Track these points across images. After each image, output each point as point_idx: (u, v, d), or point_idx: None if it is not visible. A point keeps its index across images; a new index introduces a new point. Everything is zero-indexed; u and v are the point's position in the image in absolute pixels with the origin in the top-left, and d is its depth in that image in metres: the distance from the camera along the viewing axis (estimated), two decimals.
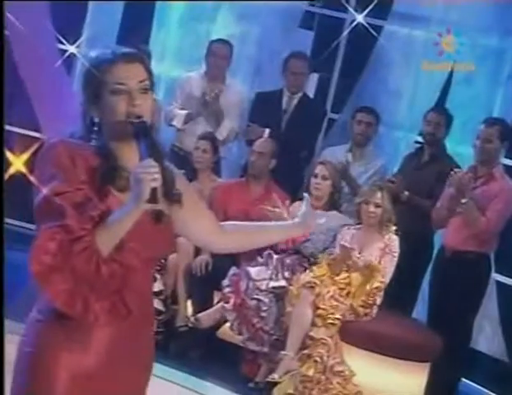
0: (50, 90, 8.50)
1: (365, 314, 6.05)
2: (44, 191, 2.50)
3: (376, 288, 6.05)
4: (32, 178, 8.76)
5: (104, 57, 2.60)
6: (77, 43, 8.56)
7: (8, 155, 8.82)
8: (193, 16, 8.56)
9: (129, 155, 2.58)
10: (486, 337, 6.98)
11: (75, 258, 2.41)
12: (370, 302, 6.05)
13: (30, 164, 9.11)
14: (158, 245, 2.63)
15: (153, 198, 2.42)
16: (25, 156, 8.93)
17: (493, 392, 6.98)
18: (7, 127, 8.63)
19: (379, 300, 6.08)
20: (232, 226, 3.04)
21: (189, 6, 8.57)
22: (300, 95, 7.49)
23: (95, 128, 2.60)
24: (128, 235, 2.47)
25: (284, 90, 7.48)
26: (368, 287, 6.03)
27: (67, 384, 2.53)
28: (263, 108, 7.42)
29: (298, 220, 3.04)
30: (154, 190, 2.40)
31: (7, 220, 8.47)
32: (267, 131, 7.00)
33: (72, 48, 8.55)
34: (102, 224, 2.44)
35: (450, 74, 7.69)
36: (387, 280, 6.10)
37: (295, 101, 7.46)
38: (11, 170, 9.00)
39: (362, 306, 6.03)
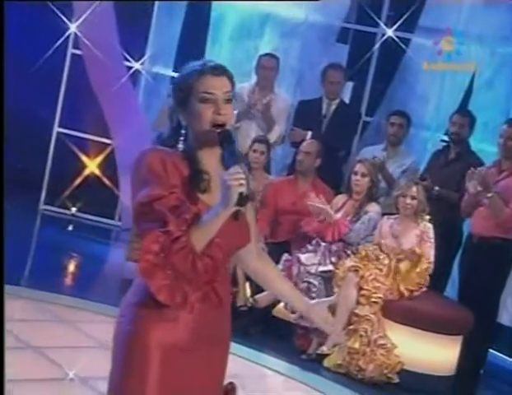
0: (119, 102, 8.54)
1: (410, 295, 6.02)
2: (141, 196, 2.46)
3: (425, 269, 6.03)
4: (106, 180, 8.67)
5: (194, 68, 2.56)
6: (142, 60, 8.62)
7: (84, 158, 8.93)
8: (243, 33, 8.57)
9: (210, 159, 2.56)
10: (507, 312, 6.87)
11: (174, 257, 2.41)
12: (422, 283, 6.03)
13: (102, 166, 9.20)
14: (236, 240, 2.60)
15: (240, 202, 2.40)
16: (98, 160, 9.07)
17: None
18: (81, 135, 8.73)
19: (427, 281, 6.05)
20: (270, 267, 2.89)
21: (239, 25, 8.58)
22: (337, 101, 7.44)
23: (183, 131, 2.57)
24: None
25: (323, 97, 7.43)
26: (418, 270, 6.01)
27: (160, 355, 2.51)
28: (305, 114, 7.39)
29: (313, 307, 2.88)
30: (241, 194, 2.38)
31: (84, 215, 8.61)
32: (310, 133, 6.94)
33: (136, 65, 8.60)
34: (195, 224, 2.43)
35: (472, 79, 7.63)
36: (432, 262, 6.05)
37: (333, 107, 7.41)
38: (86, 172, 9.11)
39: (409, 289, 6.00)
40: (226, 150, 2.49)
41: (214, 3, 8.58)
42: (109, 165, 8.63)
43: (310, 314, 2.82)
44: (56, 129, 8.72)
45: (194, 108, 2.53)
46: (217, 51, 8.49)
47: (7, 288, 5.88)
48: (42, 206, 8.75)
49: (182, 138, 2.57)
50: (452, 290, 6.89)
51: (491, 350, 6.60)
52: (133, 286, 2.62)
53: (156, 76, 8.76)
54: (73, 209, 8.65)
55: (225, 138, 2.50)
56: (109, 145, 8.65)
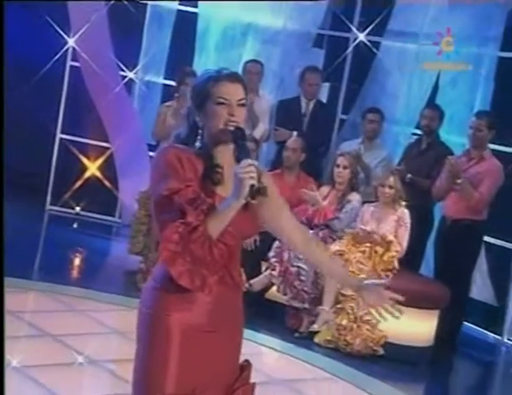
0: (115, 108, 8.52)
1: (386, 276, 6.02)
2: (161, 189, 2.48)
3: (393, 257, 6.05)
4: (106, 181, 8.59)
5: (211, 74, 2.58)
6: (135, 70, 8.59)
7: (85, 161, 8.88)
8: (227, 42, 8.54)
9: (224, 155, 2.57)
10: (477, 287, 6.91)
11: (193, 245, 2.42)
12: (390, 267, 6.04)
13: (102, 168, 9.15)
14: (246, 229, 2.60)
15: (252, 193, 2.41)
16: (99, 162, 9.03)
17: (486, 329, 6.99)
18: (82, 140, 8.70)
19: (396, 265, 6.06)
20: (319, 249, 2.91)
21: (223, 34, 8.55)
22: (314, 101, 7.45)
23: (200, 131, 2.58)
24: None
25: (301, 97, 7.43)
26: (386, 257, 6.03)
27: (180, 336, 2.52)
28: (287, 113, 7.38)
29: (366, 286, 2.89)
30: (252, 186, 2.40)
31: (87, 213, 8.58)
32: (295, 133, 6.92)
33: (130, 74, 8.57)
34: (210, 215, 2.44)
35: (438, 77, 7.65)
36: (404, 247, 6.08)
37: (311, 106, 7.41)
38: (88, 174, 9.06)
39: (383, 270, 6.01)
40: (239, 146, 2.51)
41: (200, 15, 8.56)
42: (108, 167, 8.61)
43: (362, 292, 2.83)
44: (59, 136, 8.67)
45: (211, 110, 2.54)
46: (204, 59, 8.44)
47: (20, 282, 5.93)
48: (48, 207, 8.71)
49: (199, 137, 2.58)
50: (427, 268, 6.94)
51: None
52: (153, 274, 2.62)
53: (149, 83, 8.74)
54: (77, 208, 8.63)
55: (238, 136, 2.52)
56: (108, 148, 8.62)
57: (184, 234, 2.42)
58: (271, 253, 6.19)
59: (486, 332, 6.98)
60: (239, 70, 7.65)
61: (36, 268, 6.87)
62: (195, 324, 2.55)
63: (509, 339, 6.91)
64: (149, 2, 8.61)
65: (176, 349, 2.53)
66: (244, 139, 2.53)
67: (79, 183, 8.64)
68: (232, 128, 2.52)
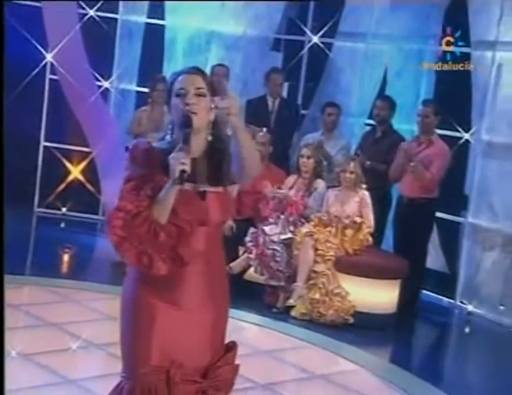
0: (93, 116, 8.44)
1: (355, 254, 6.09)
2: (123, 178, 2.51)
3: (367, 233, 6.11)
4: (88, 183, 8.48)
5: (174, 72, 2.62)
6: (110, 79, 8.54)
7: (69, 166, 8.80)
8: (193, 49, 8.50)
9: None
10: (431, 258, 6.99)
11: (137, 229, 2.42)
12: (364, 244, 6.10)
13: (84, 171, 9.06)
14: (207, 216, 2.53)
15: (180, 179, 2.38)
16: (81, 166, 8.94)
17: (441, 295, 7.08)
18: (65, 146, 8.62)
19: (370, 240, 6.13)
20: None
21: (189, 43, 8.52)
22: (279, 99, 7.48)
23: (170, 126, 2.58)
24: (181, 208, 2.45)
25: (267, 96, 7.46)
26: (361, 235, 6.08)
27: (157, 314, 2.52)
28: (255, 111, 7.34)
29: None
30: (182, 172, 2.36)
31: (72, 213, 8.51)
32: (265, 129, 6.86)
33: (106, 84, 8.52)
34: (154, 201, 2.43)
35: (385, 72, 7.73)
36: (372, 224, 6.13)
37: (276, 104, 7.43)
38: (72, 177, 8.97)
39: (354, 249, 6.06)
40: (183, 133, 2.46)
41: (167, 26, 8.53)
42: (90, 170, 8.56)
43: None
44: (42, 144, 8.59)
45: (172, 103, 2.52)
46: (173, 66, 8.34)
47: (17, 278, 5.89)
48: (36, 209, 8.63)
49: (169, 131, 2.57)
50: (385, 244, 7.01)
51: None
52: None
53: (123, 91, 8.69)
54: (63, 209, 8.56)
55: (185, 123, 2.47)
56: (89, 153, 8.56)
57: (127, 219, 2.41)
58: (247, 238, 6.20)
59: (441, 297, 7.06)
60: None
61: (31, 265, 6.82)
62: (170, 304, 2.52)
63: (461, 302, 6.99)
64: (119, 18, 8.54)
65: (154, 327, 2.51)
66: (190, 126, 2.46)
67: (64, 185, 8.56)
68: (185, 114, 2.47)
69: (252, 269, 6.20)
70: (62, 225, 8.39)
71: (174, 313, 2.53)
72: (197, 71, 2.57)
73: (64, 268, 7.04)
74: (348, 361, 5.25)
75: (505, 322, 6.63)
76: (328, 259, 5.96)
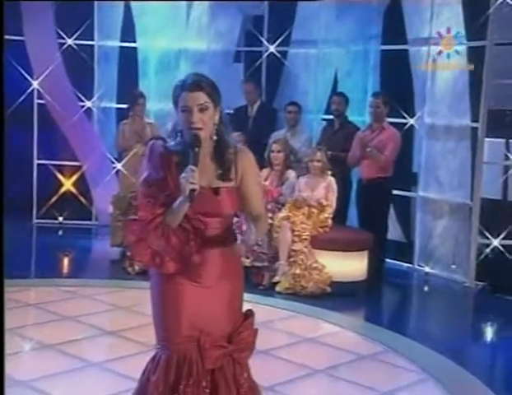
0: (79, 133, 8.42)
1: (324, 231, 6.19)
2: (141, 181, 2.56)
3: (327, 216, 6.20)
4: (81, 194, 8.39)
5: (177, 85, 2.55)
6: (92, 99, 8.50)
7: (62, 179, 8.72)
8: (163, 67, 8.48)
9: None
10: (390, 229, 7.09)
11: (152, 233, 2.49)
12: (326, 224, 6.19)
13: (76, 183, 8.99)
14: (220, 209, 2.55)
15: (191, 196, 2.41)
16: (73, 179, 8.87)
17: (401, 261, 7.21)
18: (58, 162, 8.56)
19: (330, 223, 6.22)
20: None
21: (160, 61, 8.51)
22: (258, 103, 7.50)
23: (179, 132, 2.57)
24: (198, 204, 2.47)
25: (248, 104, 7.50)
26: (322, 216, 6.18)
27: (183, 291, 2.57)
28: (237, 117, 7.28)
29: None
30: (192, 191, 2.41)
31: (68, 221, 8.46)
32: (238, 133, 6.64)
33: (88, 103, 8.48)
34: (168, 210, 2.48)
35: (336, 73, 7.84)
36: (334, 207, 6.23)
37: (255, 109, 7.47)
38: (65, 189, 8.89)
39: (321, 227, 6.16)
40: (192, 150, 2.47)
41: (139, 48, 8.53)
42: (82, 181, 8.53)
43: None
44: (36, 162, 8.53)
45: (179, 115, 2.53)
46: (147, 83, 8.38)
47: (27, 281, 5.91)
48: (35, 221, 8.57)
49: (179, 134, 2.57)
50: (350, 222, 7.14)
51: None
52: None
53: (104, 109, 8.67)
54: (60, 218, 8.50)
55: (194, 142, 2.48)
56: (79, 166, 8.53)
57: (143, 225, 2.49)
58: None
59: (401, 263, 7.21)
60: None
61: (38, 268, 6.80)
62: (192, 282, 2.57)
63: (419, 265, 7.15)
64: (95, 44, 8.51)
65: (181, 302, 2.56)
66: (198, 145, 2.47)
67: (59, 197, 8.52)
68: (194, 132, 2.48)
69: None
70: (60, 232, 8.34)
71: (197, 289, 2.57)
72: (198, 87, 2.50)
73: (69, 269, 7.02)
74: (331, 324, 5.37)
75: (457, 278, 6.80)
76: (305, 238, 6.05)
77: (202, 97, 2.49)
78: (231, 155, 2.58)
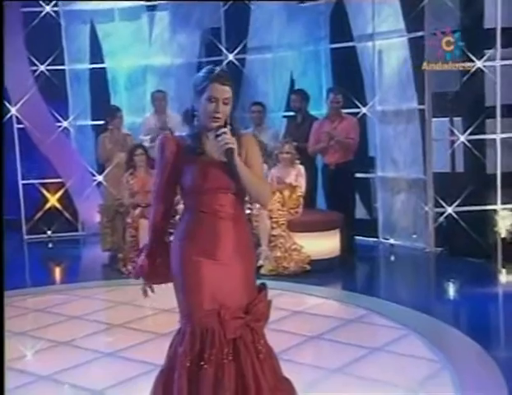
0: (59, 152, 8.36)
1: (296, 213, 6.28)
2: (155, 181, 2.67)
3: (299, 196, 6.29)
4: (65, 209, 8.23)
5: (207, 75, 2.57)
6: (69, 119, 8.46)
7: (47, 195, 8.61)
8: (132, 83, 8.52)
9: (207, 140, 2.62)
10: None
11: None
12: (297, 204, 6.27)
13: (61, 199, 8.88)
14: (229, 182, 2.58)
15: (229, 156, 2.48)
16: (57, 195, 8.77)
17: (368, 237, 7.37)
18: (43, 181, 8.46)
19: (302, 202, 6.32)
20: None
21: (128, 78, 8.53)
22: None
23: (195, 117, 2.59)
24: (210, 176, 2.54)
25: None
26: (294, 196, 6.26)
27: (203, 268, 2.59)
28: None
29: None
30: (229, 150, 2.48)
31: (57, 234, 8.39)
32: None
33: (65, 123, 8.44)
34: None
35: (291, 73, 7.96)
36: (303, 188, 6.32)
37: None
38: (49, 205, 8.78)
39: (291, 208, 6.23)
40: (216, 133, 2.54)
41: (108, 68, 8.52)
42: (66, 196, 8.47)
43: None
44: (21, 182, 8.44)
45: (203, 103, 2.54)
46: (118, 100, 8.38)
47: (35, 289, 5.88)
48: (26, 237, 8.48)
49: (196, 119, 2.58)
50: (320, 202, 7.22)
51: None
52: (175, 235, 2.67)
53: (80, 127, 8.62)
54: (48, 232, 8.42)
55: (226, 156, 2.53)
56: (61, 182, 8.47)
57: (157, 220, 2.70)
58: None
59: (368, 238, 7.37)
60: (149, 99, 7.70)
61: (35, 278, 6.73)
62: (210, 259, 2.59)
63: (384, 238, 7.35)
64: (66, 68, 8.46)
65: (201, 278, 2.59)
66: (230, 157, 2.52)
67: (45, 212, 8.43)
68: (214, 121, 2.52)
69: None
70: (50, 245, 8.27)
71: (215, 266, 2.59)
72: (228, 82, 2.55)
73: (64, 276, 6.97)
74: (315, 297, 5.48)
75: (419, 246, 7.01)
76: (282, 223, 6.14)
77: (228, 91, 2.55)
78: (238, 138, 2.62)
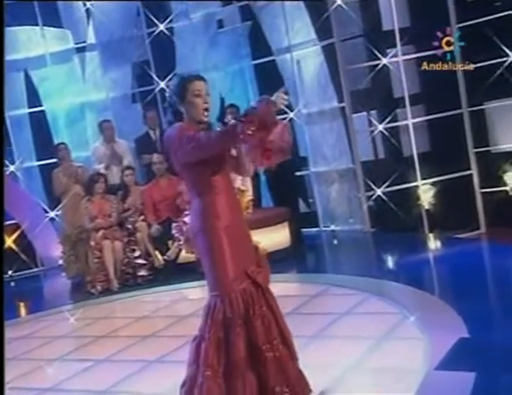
0: (10, 196, 8.10)
1: (247, 213, 6.42)
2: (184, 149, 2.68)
3: (249, 200, 6.47)
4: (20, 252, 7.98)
5: (184, 77, 2.76)
6: (16, 163, 8.30)
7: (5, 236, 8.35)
8: (72, 120, 8.48)
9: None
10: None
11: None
12: (247, 206, 6.42)
13: (17, 239, 8.61)
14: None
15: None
16: (14, 236, 8.52)
17: (311, 227, 7.64)
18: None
19: (251, 204, 6.48)
20: None
21: (67, 116, 8.48)
22: (158, 129, 7.36)
23: (181, 117, 2.72)
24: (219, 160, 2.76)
25: (149, 131, 7.34)
26: (245, 199, 6.42)
27: (223, 236, 2.73)
28: (143, 144, 7.29)
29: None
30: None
31: (17, 273, 8.16)
32: (156, 155, 6.77)
33: (12, 168, 8.29)
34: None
35: (220, 92, 8.14)
36: (251, 190, 6.48)
37: (157, 133, 7.28)
38: (6, 245, 8.53)
39: (246, 208, 6.43)
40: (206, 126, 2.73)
41: (47, 110, 8.45)
42: (22, 235, 8.29)
43: None
44: None
45: (191, 100, 2.71)
46: (61, 137, 8.29)
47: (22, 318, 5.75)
48: None
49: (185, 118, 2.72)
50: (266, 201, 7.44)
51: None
52: (192, 213, 2.79)
53: (27, 169, 8.48)
54: (9, 272, 8.22)
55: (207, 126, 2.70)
56: (17, 224, 8.28)
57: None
58: (173, 231, 6.30)
59: (311, 229, 7.65)
60: (89, 134, 7.71)
61: (11, 313, 6.50)
62: (226, 227, 2.73)
63: (325, 226, 7.65)
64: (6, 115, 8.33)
65: (224, 247, 2.71)
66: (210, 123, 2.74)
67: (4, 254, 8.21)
68: (206, 113, 2.73)
69: (183, 252, 6.29)
70: (13, 284, 8.06)
71: (230, 232, 2.72)
72: (204, 78, 2.76)
73: (37, 306, 6.77)
74: (277, 283, 5.48)
75: (356, 228, 7.35)
76: None
77: (206, 85, 2.76)
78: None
